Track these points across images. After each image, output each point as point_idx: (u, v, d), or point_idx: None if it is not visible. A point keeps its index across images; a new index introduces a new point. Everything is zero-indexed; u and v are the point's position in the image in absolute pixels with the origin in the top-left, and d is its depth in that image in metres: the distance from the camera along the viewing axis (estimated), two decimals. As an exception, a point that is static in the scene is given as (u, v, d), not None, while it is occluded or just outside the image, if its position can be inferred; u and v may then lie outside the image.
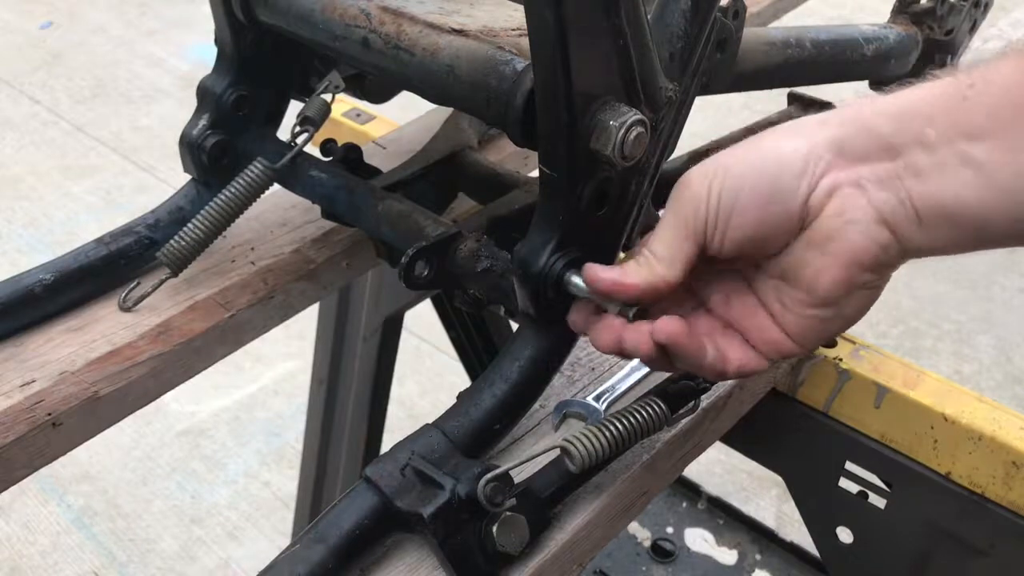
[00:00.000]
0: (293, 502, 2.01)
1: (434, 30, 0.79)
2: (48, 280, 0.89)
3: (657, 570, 1.84)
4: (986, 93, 0.55)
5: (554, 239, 0.70)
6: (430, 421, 0.74)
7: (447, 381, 2.73)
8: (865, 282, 0.60)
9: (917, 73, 1.15)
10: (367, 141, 1.21)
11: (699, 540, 1.90)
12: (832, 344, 0.99)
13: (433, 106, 1.07)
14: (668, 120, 0.73)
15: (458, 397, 0.76)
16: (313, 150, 0.99)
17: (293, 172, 0.94)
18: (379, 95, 1.08)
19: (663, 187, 0.70)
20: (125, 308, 0.91)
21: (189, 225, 0.91)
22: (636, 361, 0.82)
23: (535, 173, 0.79)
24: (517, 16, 0.83)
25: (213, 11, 0.93)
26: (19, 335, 0.88)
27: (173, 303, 0.92)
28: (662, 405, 0.73)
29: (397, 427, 1.30)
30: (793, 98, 1.15)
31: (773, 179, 0.59)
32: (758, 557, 1.88)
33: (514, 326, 0.84)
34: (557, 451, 0.69)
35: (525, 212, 0.86)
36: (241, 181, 0.92)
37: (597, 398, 0.83)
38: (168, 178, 3.51)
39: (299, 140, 0.95)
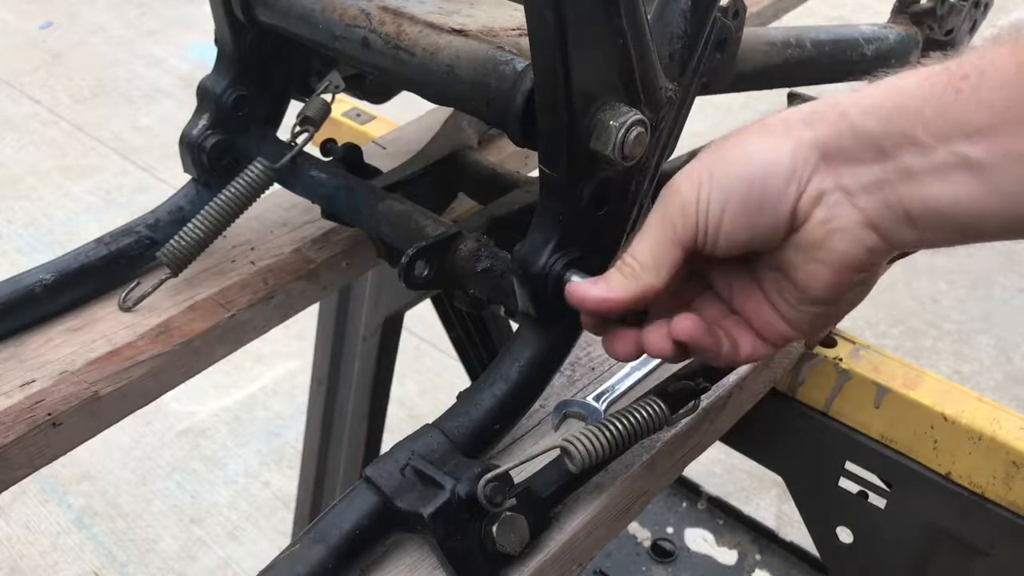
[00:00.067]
0: (293, 502, 2.01)
1: (434, 30, 0.79)
2: (48, 280, 0.89)
3: (657, 570, 1.84)
4: (982, 87, 0.52)
5: (554, 239, 0.70)
6: (430, 421, 0.74)
7: (447, 381, 2.73)
8: (857, 281, 0.60)
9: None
10: (367, 141, 1.21)
11: (699, 540, 1.90)
12: (832, 344, 0.99)
13: (433, 106, 1.07)
14: (668, 120, 0.73)
15: (458, 397, 0.76)
16: (313, 150, 0.99)
17: (293, 172, 0.94)
18: (379, 95, 1.08)
19: (663, 187, 0.70)
20: (125, 308, 0.91)
21: (189, 225, 0.91)
22: (636, 361, 0.82)
23: (535, 173, 0.79)
24: (517, 16, 0.83)
25: (213, 11, 0.93)
26: (19, 335, 0.88)
27: (173, 303, 0.92)
28: (662, 405, 0.73)
29: (397, 427, 1.30)
30: (793, 98, 1.15)
31: (761, 187, 0.58)
32: (758, 557, 1.88)
33: (514, 326, 0.84)
34: (557, 451, 0.69)
35: (525, 212, 0.86)
36: (241, 181, 0.92)
37: (597, 398, 0.83)
38: (168, 178, 3.51)
39: (299, 140, 0.95)
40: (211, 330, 0.91)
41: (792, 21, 1.17)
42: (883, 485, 0.99)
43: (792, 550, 1.88)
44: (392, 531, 0.69)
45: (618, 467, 0.77)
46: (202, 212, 0.92)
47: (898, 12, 1.16)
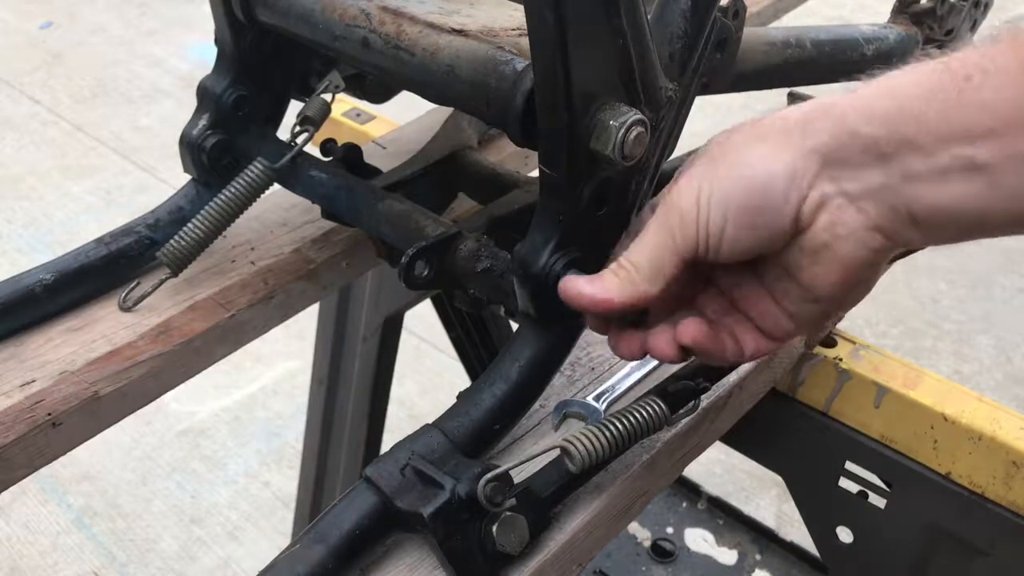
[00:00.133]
0: (293, 502, 2.01)
1: (434, 30, 0.79)
2: (48, 280, 0.89)
3: (657, 570, 1.84)
4: (985, 88, 0.51)
5: (554, 239, 0.70)
6: (430, 421, 0.74)
7: (447, 381, 2.73)
8: (863, 279, 0.60)
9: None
10: (367, 141, 1.21)
11: (699, 540, 1.90)
12: (832, 344, 0.99)
13: (433, 106, 1.07)
14: (668, 120, 0.73)
15: (458, 397, 0.76)
16: (313, 150, 0.99)
17: (293, 172, 0.94)
18: (379, 95, 1.08)
19: (663, 187, 0.70)
20: (125, 308, 0.91)
21: (189, 225, 0.91)
22: (636, 361, 0.82)
23: (535, 173, 0.79)
24: (517, 16, 0.83)
25: (213, 11, 0.93)
26: (19, 335, 0.88)
27: (173, 303, 0.92)
28: (662, 405, 0.73)
29: (397, 427, 1.30)
30: (793, 98, 1.15)
31: (762, 196, 0.58)
32: (758, 557, 1.88)
33: (514, 326, 0.84)
34: (557, 451, 0.69)
35: (525, 212, 0.86)
36: (241, 181, 0.92)
37: (597, 398, 0.83)
38: (168, 178, 3.51)
39: (299, 140, 0.95)
40: (211, 330, 0.91)
41: (792, 21, 1.17)
42: (883, 485, 0.99)
43: (792, 550, 1.88)
44: (392, 531, 0.69)
45: (618, 467, 0.77)
46: (202, 212, 0.92)
47: (898, 12, 1.16)
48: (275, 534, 2.37)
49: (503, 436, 0.77)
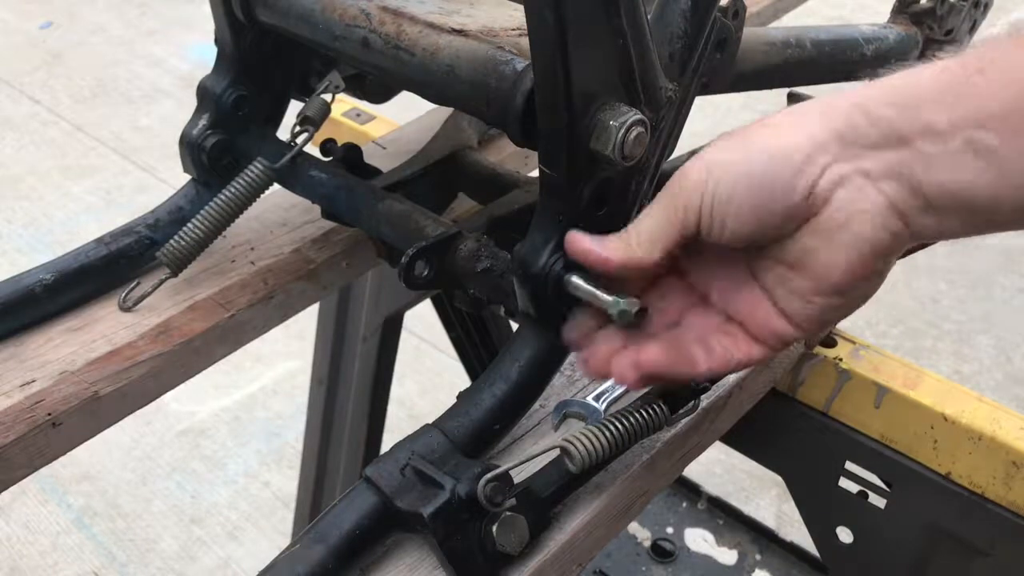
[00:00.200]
0: (293, 502, 2.01)
1: (434, 30, 0.79)
2: (48, 280, 0.89)
3: (657, 570, 1.84)
4: (996, 80, 0.53)
5: (554, 239, 0.70)
6: (430, 421, 0.74)
7: (447, 381, 2.73)
8: (876, 270, 0.60)
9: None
10: (367, 141, 1.21)
11: (699, 540, 1.90)
12: (832, 344, 0.99)
13: (433, 106, 1.07)
14: (668, 120, 0.73)
15: (458, 397, 0.76)
16: (313, 150, 0.99)
17: (293, 172, 0.94)
18: (379, 95, 1.08)
19: (663, 187, 0.70)
20: (125, 308, 0.91)
21: (189, 225, 0.91)
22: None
23: (535, 173, 0.79)
24: (517, 16, 0.83)
25: (213, 11, 0.93)
26: (19, 335, 0.88)
27: (173, 303, 0.92)
28: (662, 405, 0.73)
29: (397, 427, 1.30)
30: (793, 98, 1.15)
31: (774, 172, 0.58)
32: (758, 557, 1.88)
33: (514, 326, 0.84)
34: (557, 451, 0.69)
35: (525, 212, 0.86)
36: (241, 181, 0.92)
37: (597, 398, 0.83)
38: (168, 178, 3.51)
39: (299, 140, 0.95)
40: (211, 330, 0.91)
41: (792, 21, 1.17)
42: (883, 485, 0.99)
43: (792, 550, 1.88)
44: (392, 531, 0.69)
45: (618, 467, 0.77)
46: (202, 212, 0.92)
47: (898, 12, 1.16)
48: (275, 534, 2.37)
49: (503, 436, 0.77)
